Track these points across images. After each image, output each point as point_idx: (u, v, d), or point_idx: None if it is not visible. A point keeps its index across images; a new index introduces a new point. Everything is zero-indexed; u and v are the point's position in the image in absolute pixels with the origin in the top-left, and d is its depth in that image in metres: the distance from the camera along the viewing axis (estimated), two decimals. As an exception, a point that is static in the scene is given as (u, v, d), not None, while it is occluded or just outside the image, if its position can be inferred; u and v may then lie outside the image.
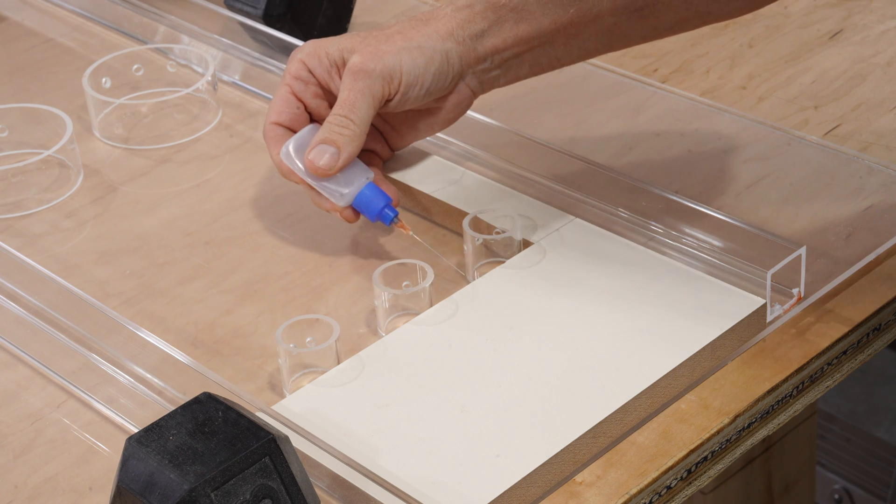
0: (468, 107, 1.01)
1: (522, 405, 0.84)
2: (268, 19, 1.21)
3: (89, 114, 1.17)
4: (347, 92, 0.96)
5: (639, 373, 0.86)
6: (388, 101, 0.96)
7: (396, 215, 0.97)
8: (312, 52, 0.98)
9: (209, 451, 0.73)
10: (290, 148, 0.97)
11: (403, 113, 1.01)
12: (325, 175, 0.96)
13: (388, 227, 1.01)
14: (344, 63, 0.97)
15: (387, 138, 1.04)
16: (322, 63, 0.98)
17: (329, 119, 0.96)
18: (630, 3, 0.95)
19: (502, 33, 0.97)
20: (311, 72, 0.99)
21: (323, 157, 0.96)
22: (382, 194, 0.98)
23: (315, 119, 1.00)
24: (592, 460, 0.83)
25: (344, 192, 0.97)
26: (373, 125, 1.01)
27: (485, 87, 1.00)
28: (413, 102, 0.97)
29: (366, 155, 1.02)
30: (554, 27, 0.96)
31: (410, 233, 0.98)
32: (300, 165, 0.97)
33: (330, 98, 1.00)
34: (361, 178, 0.97)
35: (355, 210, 0.98)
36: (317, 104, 0.99)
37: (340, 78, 0.98)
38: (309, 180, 0.97)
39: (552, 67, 1.00)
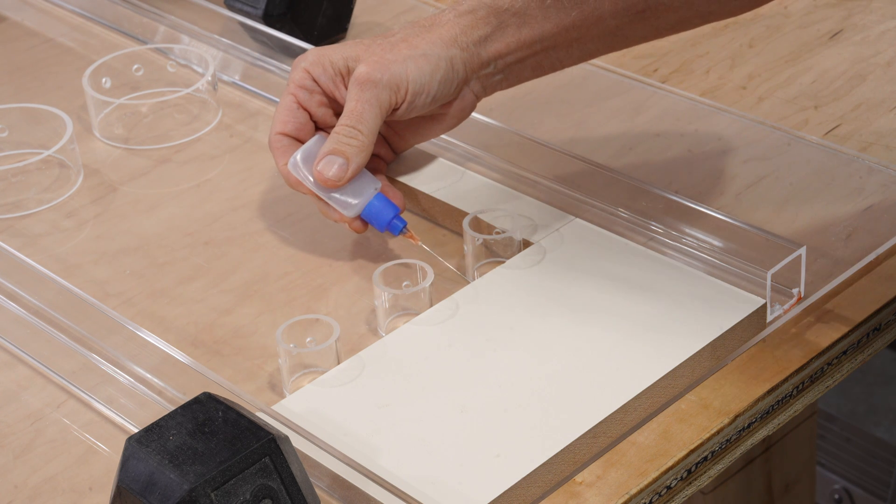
0: (472, 111, 1.01)
1: (522, 405, 0.84)
2: (268, 19, 1.21)
3: (89, 114, 1.17)
4: (354, 102, 0.95)
5: (639, 373, 0.86)
6: (395, 109, 0.96)
7: (405, 225, 0.97)
8: (316, 60, 0.98)
9: (209, 451, 0.73)
10: (298, 158, 0.97)
11: (408, 119, 1.01)
12: (335, 186, 0.96)
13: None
14: (349, 72, 0.97)
15: (390, 143, 1.04)
16: (326, 72, 0.98)
17: (336, 129, 0.96)
18: (632, 5, 0.94)
19: (505, 38, 0.97)
20: (315, 81, 0.98)
21: (332, 168, 0.95)
22: (391, 205, 0.97)
23: (320, 128, 1.00)
24: (592, 460, 0.83)
25: (353, 202, 0.97)
26: None
27: (487, 90, 1.00)
28: (419, 110, 0.97)
29: (370, 160, 1.02)
30: (556, 30, 0.96)
31: (419, 243, 0.98)
32: (308, 176, 0.97)
33: (335, 107, 1.00)
34: (370, 189, 0.97)
35: (364, 220, 0.98)
36: (322, 113, 0.99)
37: (345, 87, 0.98)
38: (317, 191, 0.97)
39: (554, 69, 1.00)
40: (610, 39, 0.97)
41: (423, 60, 0.95)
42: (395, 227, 0.97)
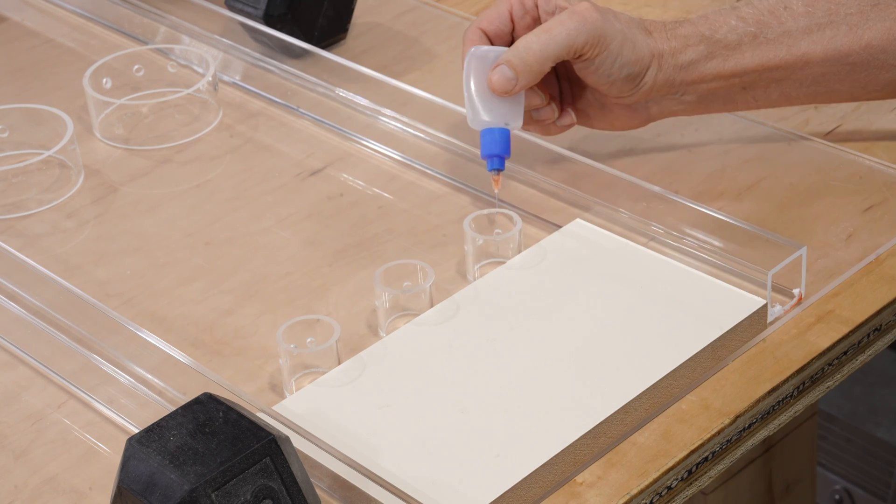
0: (638, 126, 1.03)
1: (522, 405, 0.84)
2: (268, 20, 1.21)
3: (90, 114, 1.17)
4: (555, 23, 0.95)
5: (639, 373, 0.86)
6: (580, 57, 0.96)
7: (499, 169, 0.98)
8: None
9: (210, 452, 0.73)
10: (475, 53, 0.98)
11: (582, 93, 1.02)
12: (501, 95, 0.97)
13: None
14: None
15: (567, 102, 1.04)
16: (550, 2, 0.98)
17: (525, 37, 0.96)
18: (844, 55, 0.96)
19: (708, 68, 0.98)
20: (535, 4, 0.99)
21: (502, 79, 0.96)
22: (505, 145, 0.98)
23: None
24: (593, 461, 0.83)
25: (484, 118, 0.98)
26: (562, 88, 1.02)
27: (665, 112, 1.01)
28: (592, 78, 0.97)
29: (544, 111, 1.02)
30: (760, 68, 0.98)
31: (496, 192, 0.99)
32: (470, 75, 0.98)
33: None
34: (503, 121, 0.98)
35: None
36: (524, 33, 0.99)
37: None
38: (465, 87, 0.98)
39: (747, 107, 1.02)
40: (812, 89, 0.99)
41: (634, 43, 0.96)
42: (492, 162, 0.98)
